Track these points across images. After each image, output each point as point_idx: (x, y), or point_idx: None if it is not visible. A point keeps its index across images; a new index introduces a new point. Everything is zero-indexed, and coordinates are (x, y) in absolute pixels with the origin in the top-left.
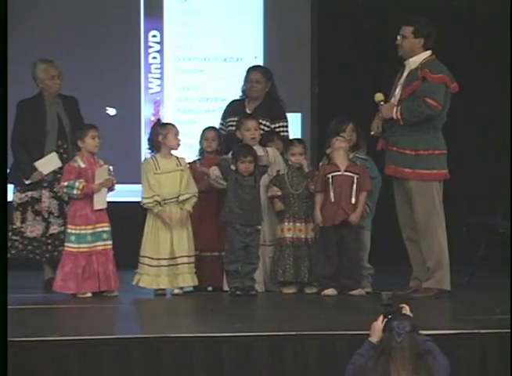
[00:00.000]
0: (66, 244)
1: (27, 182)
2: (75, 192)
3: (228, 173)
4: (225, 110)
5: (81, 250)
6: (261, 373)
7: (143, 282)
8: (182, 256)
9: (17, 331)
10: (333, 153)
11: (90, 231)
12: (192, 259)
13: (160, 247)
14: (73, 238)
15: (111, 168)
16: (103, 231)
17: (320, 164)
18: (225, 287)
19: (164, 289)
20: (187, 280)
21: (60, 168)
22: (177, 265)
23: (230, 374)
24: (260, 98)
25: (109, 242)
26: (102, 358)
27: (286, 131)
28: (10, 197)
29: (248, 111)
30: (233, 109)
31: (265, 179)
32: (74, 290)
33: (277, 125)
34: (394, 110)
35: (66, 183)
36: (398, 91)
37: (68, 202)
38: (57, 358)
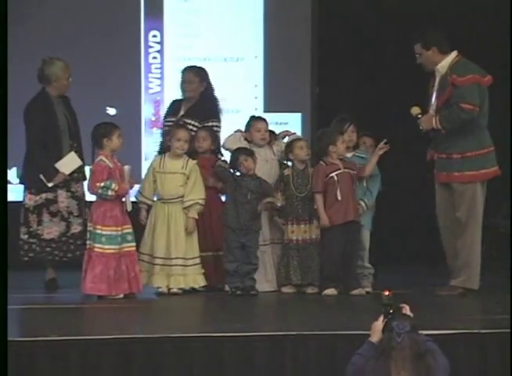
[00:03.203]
0: (95, 245)
1: (49, 184)
2: (110, 193)
3: (226, 177)
4: (166, 111)
5: (112, 251)
6: (262, 373)
7: (142, 279)
8: (177, 258)
9: (17, 331)
10: (331, 156)
11: (120, 232)
12: (190, 262)
13: (155, 246)
14: (103, 239)
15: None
16: (128, 233)
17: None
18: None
19: (163, 289)
20: (179, 281)
21: (79, 167)
22: (171, 266)
23: (230, 374)
24: (195, 98)
25: (134, 244)
26: (102, 358)
27: (219, 131)
28: (14, 197)
29: (182, 112)
30: (171, 109)
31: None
32: (106, 292)
33: (205, 125)
34: (433, 120)
35: (102, 184)
36: (434, 99)
37: (86, 202)
38: (57, 358)
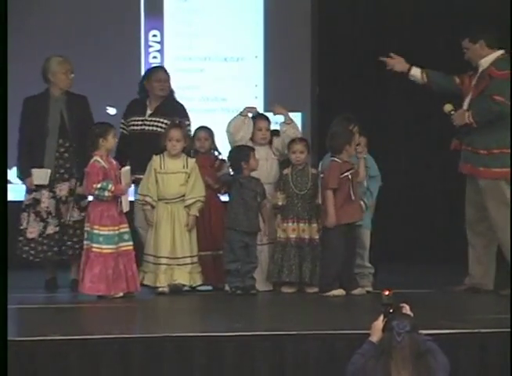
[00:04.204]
0: (93, 245)
1: (21, 183)
2: (106, 194)
3: (232, 183)
4: (125, 110)
5: (109, 251)
6: (262, 372)
7: (148, 280)
8: (184, 257)
9: (17, 331)
10: (344, 155)
11: (117, 232)
12: (191, 260)
13: (159, 246)
14: (101, 239)
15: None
16: (125, 232)
17: (330, 160)
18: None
19: (164, 288)
20: (184, 276)
21: (61, 168)
22: (178, 265)
23: (230, 374)
24: (162, 97)
25: (131, 243)
26: (103, 357)
27: (190, 130)
28: (13, 197)
29: (149, 111)
30: (134, 109)
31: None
32: (104, 291)
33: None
34: (466, 115)
35: (99, 185)
36: (470, 93)
37: (65, 202)
38: (57, 357)
